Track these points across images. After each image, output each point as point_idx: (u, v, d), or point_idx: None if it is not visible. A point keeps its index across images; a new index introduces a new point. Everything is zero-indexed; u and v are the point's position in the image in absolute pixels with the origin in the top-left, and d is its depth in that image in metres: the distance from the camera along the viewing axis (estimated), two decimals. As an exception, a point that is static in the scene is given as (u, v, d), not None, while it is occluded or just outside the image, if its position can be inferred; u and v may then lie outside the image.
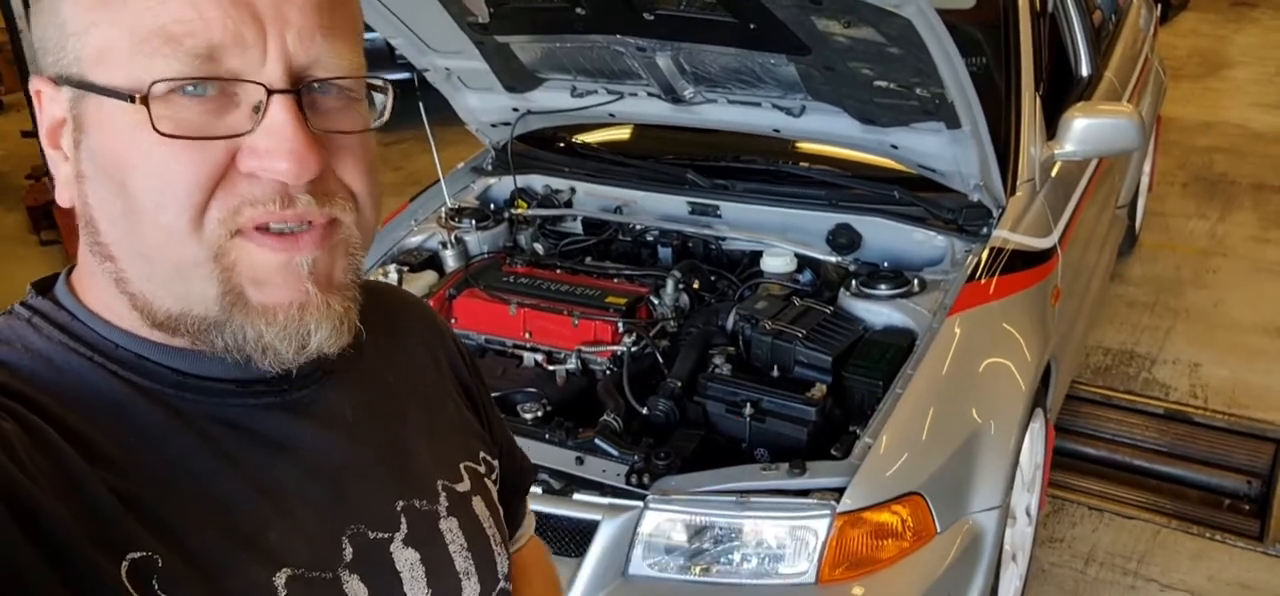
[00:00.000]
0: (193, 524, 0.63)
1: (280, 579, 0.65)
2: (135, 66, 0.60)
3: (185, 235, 0.62)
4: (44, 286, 0.70)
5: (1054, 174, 2.63)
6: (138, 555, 0.59)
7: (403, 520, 0.75)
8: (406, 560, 0.74)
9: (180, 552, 0.61)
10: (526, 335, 2.21)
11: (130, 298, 0.66)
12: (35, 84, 0.67)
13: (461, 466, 0.83)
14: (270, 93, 0.61)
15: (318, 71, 0.64)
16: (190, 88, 0.60)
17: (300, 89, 0.63)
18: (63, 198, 0.67)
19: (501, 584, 0.81)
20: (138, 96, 0.60)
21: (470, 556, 0.78)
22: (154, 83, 0.59)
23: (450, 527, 0.78)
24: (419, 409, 0.82)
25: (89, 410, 0.63)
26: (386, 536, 0.73)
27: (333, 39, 0.64)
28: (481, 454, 0.87)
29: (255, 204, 0.62)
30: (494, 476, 0.88)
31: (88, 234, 0.66)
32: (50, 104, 0.66)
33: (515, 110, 2.78)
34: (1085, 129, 2.57)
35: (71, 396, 0.63)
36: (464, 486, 0.82)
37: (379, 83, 0.69)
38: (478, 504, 0.82)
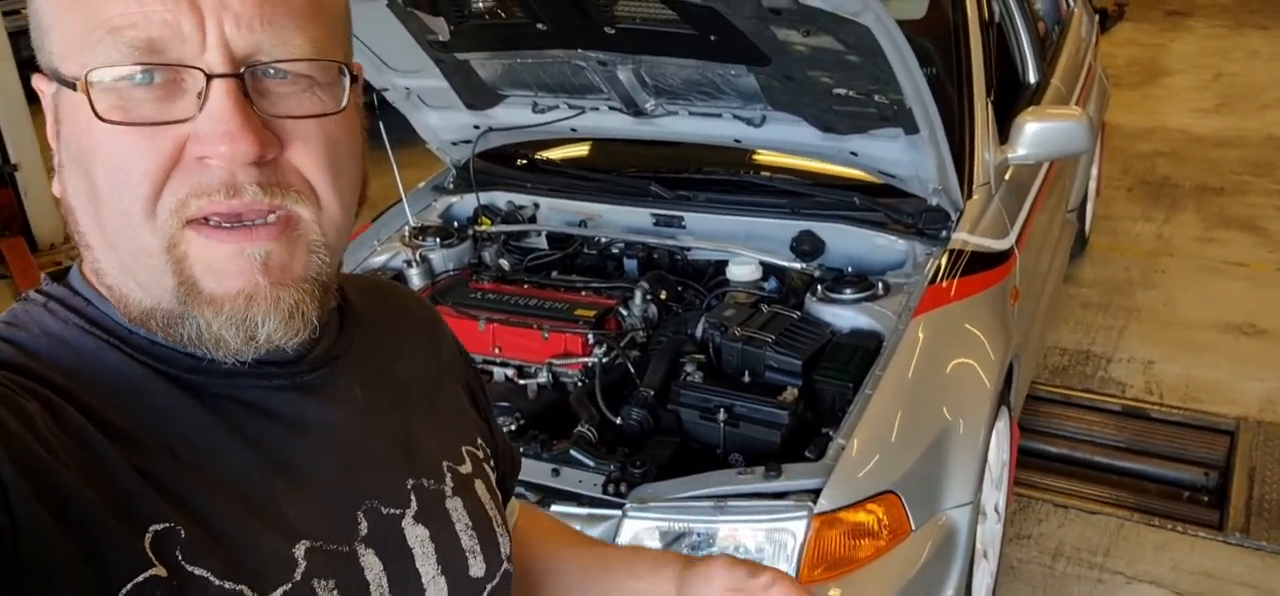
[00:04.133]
0: (212, 497, 0.64)
1: (299, 550, 0.66)
2: (83, 56, 0.62)
3: (140, 222, 0.63)
4: (59, 276, 0.72)
5: (1007, 178, 2.68)
6: (160, 527, 0.60)
7: (413, 498, 0.76)
8: (417, 536, 0.75)
9: (201, 524, 0.62)
10: (496, 350, 2.20)
11: (108, 290, 0.68)
12: (36, 81, 0.68)
13: (463, 450, 0.84)
14: (210, 78, 0.62)
15: (262, 56, 0.64)
16: (139, 76, 0.62)
17: (243, 72, 0.63)
18: (55, 187, 0.69)
19: (505, 565, 0.82)
20: (79, 84, 0.62)
21: (475, 535, 0.80)
22: (91, 70, 0.61)
23: (456, 507, 0.79)
24: (422, 394, 0.84)
25: (107, 389, 0.64)
26: (398, 512, 0.75)
27: (277, 24, 0.64)
28: (479, 441, 0.88)
29: (201, 194, 0.63)
30: (491, 464, 0.90)
31: (71, 223, 0.68)
32: (47, 100, 0.68)
33: (476, 127, 2.78)
34: (1037, 132, 2.62)
35: (90, 376, 0.64)
36: (466, 469, 0.83)
37: (342, 68, 0.68)
38: (479, 486, 0.83)
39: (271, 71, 0.64)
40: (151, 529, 0.60)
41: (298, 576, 0.65)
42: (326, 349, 0.74)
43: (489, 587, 0.80)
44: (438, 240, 2.59)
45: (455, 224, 2.74)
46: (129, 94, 0.62)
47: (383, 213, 2.81)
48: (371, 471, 0.74)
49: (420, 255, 2.54)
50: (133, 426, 0.63)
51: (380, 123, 2.52)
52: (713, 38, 2.13)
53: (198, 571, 0.60)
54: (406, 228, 2.68)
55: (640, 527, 1.74)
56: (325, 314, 0.70)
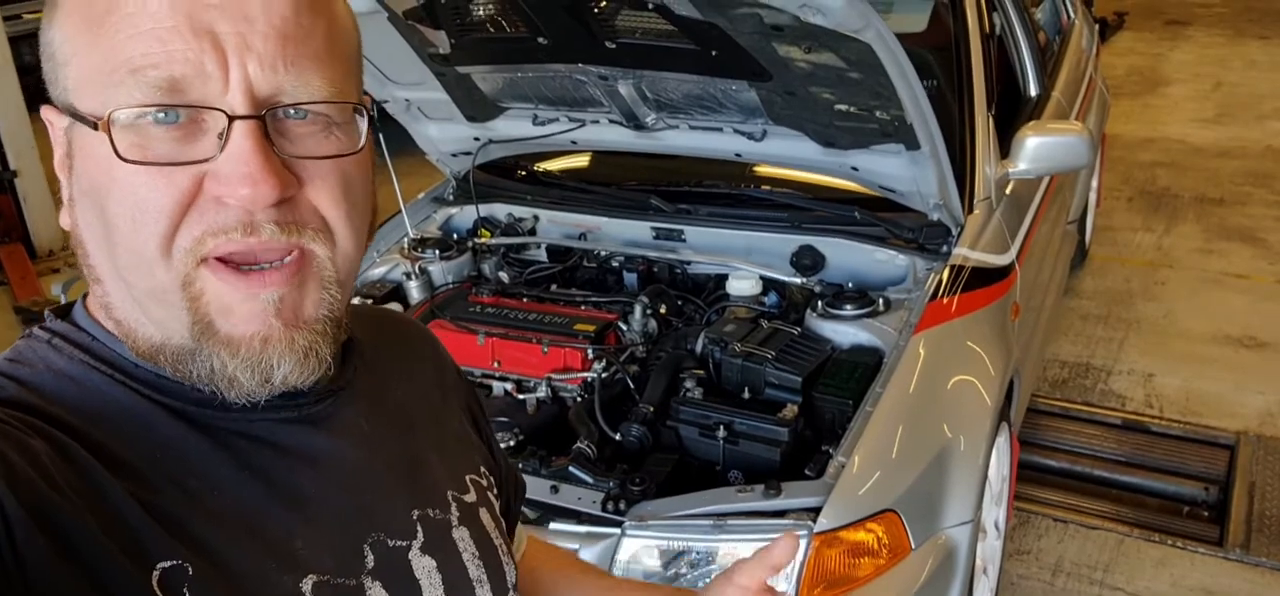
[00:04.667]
0: (220, 532, 0.64)
1: (307, 585, 0.66)
2: (104, 95, 0.62)
3: (155, 260, 0.63)
4: (63, 312, 0.72)
5: (1008, 192, 2.68)
6: (168, 563, 0.60)
7: (419, 528, 0.76)
8: (424, 567, 0.75)
9: (209, 560, 0.62)
10: (495, 364, 2.19)
11: (116, 324, 0.68)
12: (46, 113, 0.68)
13: (467, 479, 0.85)
14: (232, 119, 0.62)
15: (284, 98, 0.64)
16: (160, 115, 0.61)
17: (265, 114, 0.63)
18: (64, 220, 0.69)
19: (511, 593, 0.83)
20: (100, 123, 0.61)
21: (482, 564, 0.80)
22: (113, 111, 0.61)
23: (462, 536, 0.80)
24: (427, 423, 0.84)
25: (113, 425, 0.64)
26: (405, 544, 0.75)
27: (300, 66, 0.64)
28: (483, 469, 0.89)
29: (218, 233, 0.63)
30: (495, 492, 0.90)
31: (81, 257, 0.68)
32: (58, 133, 0.68)
33: (476, 139, 2.78)
34: (1038, 147, 2.61)
35: (95, 412, 0.64)
36: (471, 497, 0.83)
37: (359, 109, 0.69)
38: (484, 515, 0.84)
39: (292, 112, 0.65)
40: (159, 566, 0.60)
41: None
42: (332, 380, 0.75)
43: None
44: (437, 252, 2.59)
45: (455, 236, 2.74)
46: (148, 132, 0.62)
47: (381, 224, 2.81)
48: (378, 503, 0.75)
49: (419, 267, 2.54)
50: (139, 462, 0.63)
51: (380, 134, 2.52)
52: (714, 53, 2.13)
53: None
54: (406, 239, 2.68)
55: (639, 546, 1.74)
56: (337, 348, 0.71)
